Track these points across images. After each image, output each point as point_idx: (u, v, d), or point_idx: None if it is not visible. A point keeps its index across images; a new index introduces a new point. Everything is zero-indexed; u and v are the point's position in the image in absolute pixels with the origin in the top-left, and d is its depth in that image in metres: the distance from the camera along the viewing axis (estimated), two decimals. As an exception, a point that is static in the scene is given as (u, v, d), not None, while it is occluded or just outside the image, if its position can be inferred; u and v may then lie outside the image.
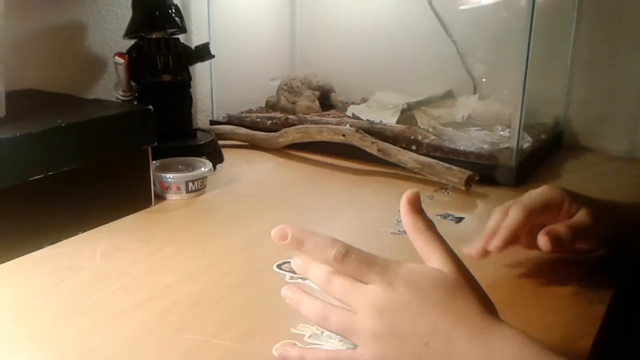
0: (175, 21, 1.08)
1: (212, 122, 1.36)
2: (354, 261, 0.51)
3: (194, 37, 1.31)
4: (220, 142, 1.20)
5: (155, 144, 0.91)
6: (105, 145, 0.83)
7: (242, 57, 1.44)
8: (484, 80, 1.38)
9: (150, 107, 0.89)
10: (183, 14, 1.12)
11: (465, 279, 0.51)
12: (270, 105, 1.45)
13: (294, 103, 1.41)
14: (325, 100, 1.46)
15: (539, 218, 0.71)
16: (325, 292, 0.53)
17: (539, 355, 0.46)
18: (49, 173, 0.76)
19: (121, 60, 0.94)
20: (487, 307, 0.50)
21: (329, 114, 1.36)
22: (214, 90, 1.37)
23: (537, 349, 0.47)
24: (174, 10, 1.08)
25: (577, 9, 1.26)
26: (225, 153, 1.18)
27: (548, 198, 0.71)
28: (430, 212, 0.92)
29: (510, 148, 1.05)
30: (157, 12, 1.06)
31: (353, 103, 1.45)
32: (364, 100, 1.46)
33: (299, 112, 1.38)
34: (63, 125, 0.77)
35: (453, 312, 0.48)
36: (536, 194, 0.72)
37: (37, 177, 0.74)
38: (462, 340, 0.47)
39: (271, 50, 1.55)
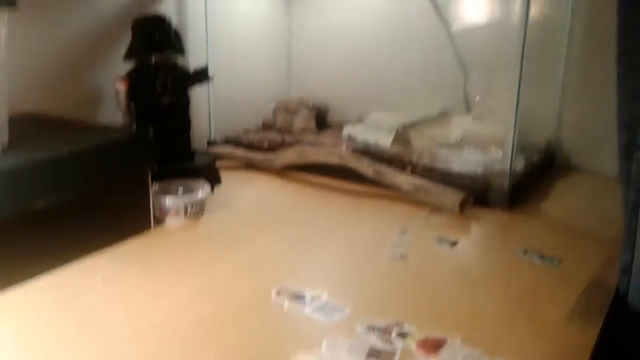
0: (175, 45, 1.09)
1: (210, 143, 1.37)
2: None
3: (192, 57, 1.32)
4: (218, 163, 1.22)
5: (156, 169, 0.92)
6: (107, 171, 0.85)
7: (240, 77, 1.46)
8: (477, 99, 1.40)
9: (151, 132, 0.91)
10: (182, 34, 1.14)
11: None
12: (267, 126, 1.47)
13: (290, 123, 1.43)
14: (321, 120, 1.48)
15: None
16: None
17: None
18: (53, 200, 0.77)
19: (122, 86, 0.95)
20: None
21: (325, 134, 1.38)
22: (211, 110, 1.38)
23: None
24: (173, 34, 1.10)
25: (568, 33, 1.29)
26: (223, 174, 1.20)
27: None
28: (425, 236, 0.95)
29: (503, 171, 1.07)
30: (157, 36, 1.07)
31: (348, 123, 1.47)
32: (359, 120, 1.48)
33: (296, 132, 1.39)
34: (66, 154, 0.78)
35: None
36: None
37: (40, 205, 0.76)
38: None
39: (268, 70, 1.57)
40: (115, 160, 0.86)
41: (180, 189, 1.01)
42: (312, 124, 1.41)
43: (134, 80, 1.08)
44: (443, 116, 1.38)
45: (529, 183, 1.17)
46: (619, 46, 0.58)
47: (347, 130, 1.36)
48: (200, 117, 1.38)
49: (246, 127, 1.47)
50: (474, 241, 0.93)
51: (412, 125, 1.31)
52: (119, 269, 0.80)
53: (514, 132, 1.06)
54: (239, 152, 1.29)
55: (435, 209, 1.05)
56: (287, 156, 1.23)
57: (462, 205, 1.03)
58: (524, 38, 1.02)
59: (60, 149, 0.78)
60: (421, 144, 1.27)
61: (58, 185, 0.78)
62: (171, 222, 0.97)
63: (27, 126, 0.93)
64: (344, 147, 1.22)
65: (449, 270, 0.82)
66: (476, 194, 1.06)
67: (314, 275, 0.80)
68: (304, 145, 1.26)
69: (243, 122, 1.48)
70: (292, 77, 1.62)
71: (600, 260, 0.86)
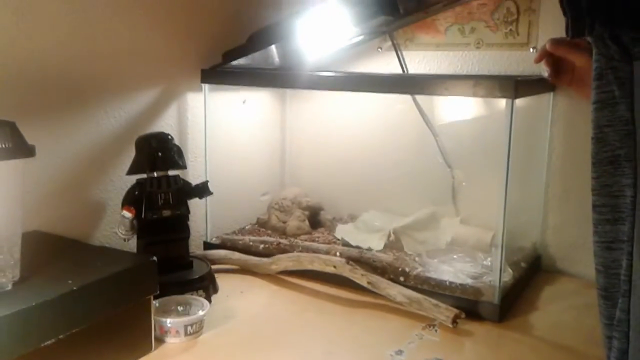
0: (177, 162, 1.14)
1: (206, 245, 1.40)
2: None
3: (189, 159, 1.36)
4: (214, 267, 1.25)
5: (158, 292, 0.94)
6: (113, 300, 0.87)
7: (236, 178, 1.51)
8: (463, 184, 1.45)
9: (155, 258, 0.94)
10: (182, 145, 1.19)
11: None
12: (262, 224, 1.50)
13: (284, 222, 1.47)
14: (315, 217, 1.52)
15: None
16: None
17: None
18: (60, 337, 0.79)
19: (129, 215, 0.99)
20: None
21: (318, 236, 1.42)
22: (208, 211, 1.41)
23: None
24: (176, 151, 1.15)
25: (549, 142, 1.36)
26: (220, 278, 1.22)
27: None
28: (420, 356, 0.97)
29: (493, 286, 1.11)
30: (161, 154, 1.12)
31: (341, 220, 1.52)
32: (350, 218, 1.53)
33: (290, 232, 1.43)
34: (75, 288, 0.81)
35: None
36: None
37: (48, 342, 0.77)
38: None
39: (263, 169, 1.62)
40: (121, 289, 0.88)
41: (180, 308, 1.04)
42: (306, 225, 1.45)
43: (135, 194, 1.12)
44: (432, 218, 1.43)
45: (518, 292, 1.21)
46: (594, 197, 0.63)
47: (340, 233, 1.40)
48: (196, 217, 1.41)
49: (241, 224, 1.51)
50: (467, 363, 0.96)
51: (403, 229, 1.36)
52: (123, 402, 0.81)
53: (502, 248, 1.10)
54: (235, 256, 1.32)
55: (429, 322, 1.08)
56: (283, 263, 1.26)
57: (455, 320, 1.06)
58: (509, 149, 1.08)
59: (69, 285, 0.81)
60: (412, 248, 1.31)
61: (66, 321, 0.80)
62: (171, 341, 0.98)
63: (33, 251, 0.95)
64: (338, 254, 1.26)
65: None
66: (468, 307, 1.09)
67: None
68: (299, 251, 1.29)
69: (238, 220, 1.52)
70: (285, 175, 1.67)
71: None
